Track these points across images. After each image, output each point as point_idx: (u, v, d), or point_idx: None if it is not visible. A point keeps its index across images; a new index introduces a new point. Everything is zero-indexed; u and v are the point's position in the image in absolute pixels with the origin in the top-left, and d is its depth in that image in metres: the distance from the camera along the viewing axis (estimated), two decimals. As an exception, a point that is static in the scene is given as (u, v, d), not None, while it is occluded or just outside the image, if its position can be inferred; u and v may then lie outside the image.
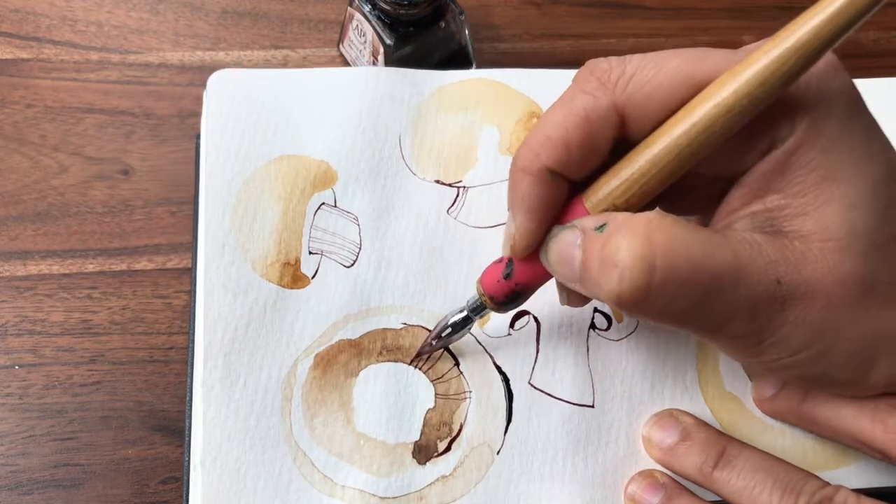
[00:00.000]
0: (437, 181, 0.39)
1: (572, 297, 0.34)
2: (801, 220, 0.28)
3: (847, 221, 0.28)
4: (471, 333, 0.36)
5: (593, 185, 0.30)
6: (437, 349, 0.36)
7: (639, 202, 0.29)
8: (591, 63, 0.31)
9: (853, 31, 0.26)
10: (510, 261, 0.32)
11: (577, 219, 0.30)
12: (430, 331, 0.36)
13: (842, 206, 0.28)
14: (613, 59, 0.30)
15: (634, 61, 0.30)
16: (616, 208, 0.29)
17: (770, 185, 0.29)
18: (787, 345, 0.29)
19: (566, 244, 0.29)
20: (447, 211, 0.38)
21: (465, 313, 0.35)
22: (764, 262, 0.28)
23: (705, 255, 0.27)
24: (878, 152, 0.29)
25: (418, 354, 0.36)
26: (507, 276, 0.32)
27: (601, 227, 0.28)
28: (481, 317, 0.34)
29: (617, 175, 0.29)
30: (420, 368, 0.36)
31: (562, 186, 0.30)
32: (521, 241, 0.31)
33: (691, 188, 0.31)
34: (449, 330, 0.35)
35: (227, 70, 0.39)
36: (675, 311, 0.28)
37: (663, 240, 0.27)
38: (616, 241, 0.27)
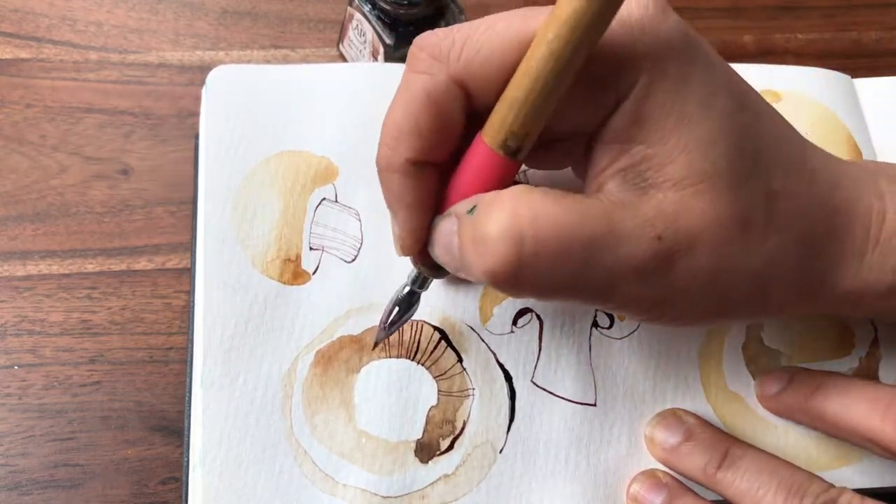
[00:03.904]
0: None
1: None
2: (671, 168, 0.28)
3: (709, 160, 0.28)
4: (474, 330, 0.36)
5: (489, 119, 0.29)
6: (391, 334, 0.35)
7: (534, 125, 0.28)
8: (418, 39, 0.30)
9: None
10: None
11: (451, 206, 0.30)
12: (432, 326, 0.36)
13: (701, 145, 0.28)
14: (440, 31, 0.29)
15: (463, 29, 0.29)
16: (515, 135, 0.28)
17: (631, 136, 0.28)
18: (686, 298, 0.29)
19: (445, 233, 0.29)
20: (449, 205, 0.38)
21: (407, 288, 0.33)
22: (641, 221, 0.27)
23: (575, 222, 0.26)
24: (723, 85, 0.29)
25: (375, 345, 0.36)
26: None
27: (472, 210, 0.28)
28: (425, 287, 0.33)
29: (505, 101, 0.28)
30: (422, 364, 0.36)
31: (431, 173, 0.30)
32: (409, 238, 0.31)
33: (558, 143, 0.31)
34: (397, 310, 0.34)
35: (227, 66, 0.39)
36: (555, 283, 0.27)
37: (529, 210, 0.26)
38: (484, 220, 0.27)
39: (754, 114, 0.29)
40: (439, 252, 0.30)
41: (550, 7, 0.27)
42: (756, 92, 0.30)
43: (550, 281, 0.27)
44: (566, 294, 0.28)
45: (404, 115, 0.29)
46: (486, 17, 0.29)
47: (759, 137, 0.29)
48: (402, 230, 0.31)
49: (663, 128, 0.28)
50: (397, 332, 0.36)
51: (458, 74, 0.29)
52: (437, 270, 0.32)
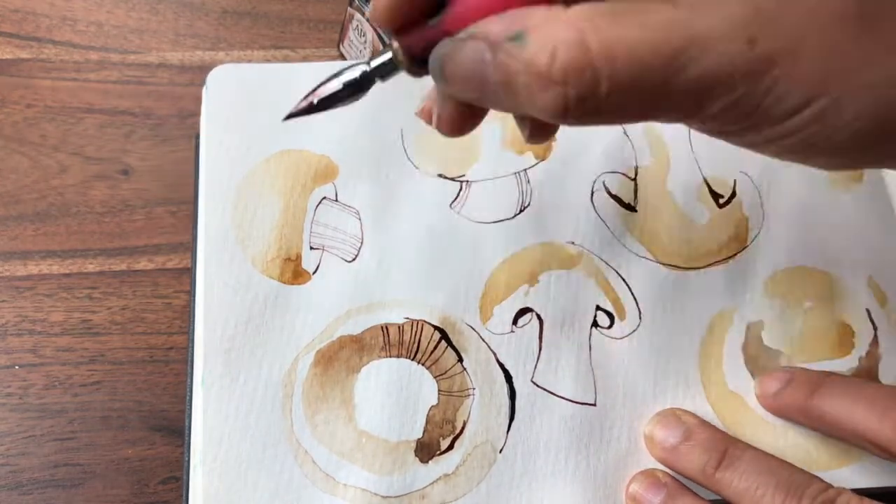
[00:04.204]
0: (440, 175, 0.39)
1: (532, 131, 0.29)
2: None
3: None
4: (474, 330, 0.36)
5: None
6: (309, 112, 0.28)
7: None
8: None
9: None
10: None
11: (472, 25, 0.24)
12: (432, 326, 0.36)
13: None
14: None
15: None
16: None
17: None
18: (784, 104, 0.24)
19: (472, 61, 0.24)
20: (450, 205, 0.38)
21: (366, 69, 0.26)
22: (729, 26, 0.23)
23: (653, 45, 0.23)
24: None
25: (289, 116, 0.29)
26: (433, 24, 0.25)
27: (518, 38, 0.23)
28: (386, 79, 0.26)
29: None
30: (423, 364, 0.36)
31: None
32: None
33: None
34: (340, 88, 0.27)
35: (227, 65, 0.39)
36: (632, 110, 0.24)
37: (599, 44, 0.22)
38: (545, 57, 0.23)
39: None
40: (460, 80, 0.25)
41: None
42: None
43: (627, 109, 0.24)
44: (648, 116, 0.25)
45: None
46: None
47: None
48: None
49: None
50: (397, 331, 0.36)
51: None
52: (418, 65, 0.25)
